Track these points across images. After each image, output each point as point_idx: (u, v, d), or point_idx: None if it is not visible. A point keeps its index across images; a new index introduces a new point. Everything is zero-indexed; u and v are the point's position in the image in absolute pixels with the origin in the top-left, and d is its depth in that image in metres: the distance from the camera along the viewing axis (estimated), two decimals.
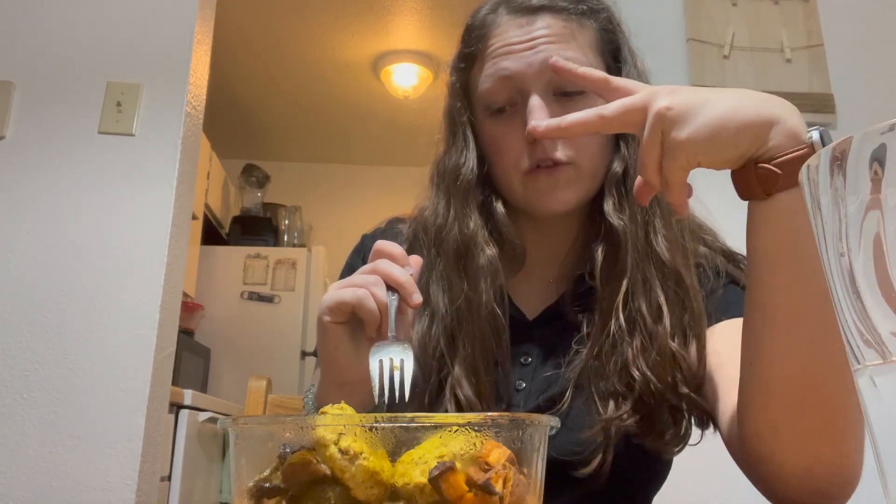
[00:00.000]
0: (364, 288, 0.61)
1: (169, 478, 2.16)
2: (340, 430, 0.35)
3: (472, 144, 0.80)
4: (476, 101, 0.79)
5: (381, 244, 0.64)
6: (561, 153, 0.73)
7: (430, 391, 0.75)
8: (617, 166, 0.77)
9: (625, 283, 0.73)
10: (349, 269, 0.88)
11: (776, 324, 0.55)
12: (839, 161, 0.26)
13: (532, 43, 0.74)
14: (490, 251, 0.77)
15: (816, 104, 1.77)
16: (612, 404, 0.69)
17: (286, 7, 3.10)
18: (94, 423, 1.49)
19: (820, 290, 0.49)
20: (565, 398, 0.72)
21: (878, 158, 0.25)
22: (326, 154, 4.59)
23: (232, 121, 4.06)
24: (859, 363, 0.27)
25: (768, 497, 0.61)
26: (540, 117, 0.70)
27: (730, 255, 0.83)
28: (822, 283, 0.30)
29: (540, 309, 0.80)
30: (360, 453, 0.34)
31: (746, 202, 0.55)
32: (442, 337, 0.76)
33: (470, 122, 0.81)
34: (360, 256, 0.90)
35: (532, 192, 0.76)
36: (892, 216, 0.24)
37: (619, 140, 0.78)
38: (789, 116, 0.52)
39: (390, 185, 4.70)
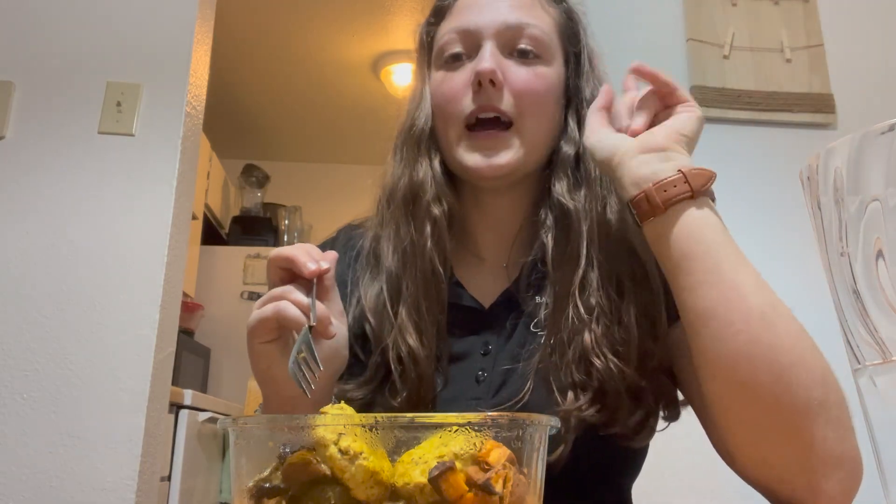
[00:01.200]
0: (281, 298, 0.60)
1: (169, 478, 2.16)
2: (340, 430, 0.35)
3: (427, 99, 0.79)
4: (436, 52, 0.79)
5: (277, 254, 0.63)
6: (504, 105, 0.72)
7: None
8: (567, 148, 0.76)
9: (580, 267, 0.71)
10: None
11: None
12: (839, 161, 0.26)
13: (497, 4, 0.75)
14: (437, 209, 0.75)
15: (816, 104, 1.77)
16: (570, 395, 0.67)
17: (286, 7, 3.10)
18: (94, 423, 1.49)
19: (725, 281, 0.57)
20: (526, 389, 0.70)
21: (878, 158, 0.25)
22: (326, 154, 4.58)
23: (232, 121, 4.06)
24: (859, 363, 0.27)
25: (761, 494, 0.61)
26: (489, 61, 0.71)
27: None
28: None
29: (494, 296, 0.78)
30: (360, 453, 0.34)
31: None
32: (389, 295, 0.75)
33: (429, 78, 0.80)
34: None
35: (468, 150, 0.74)
36: (892, 216, 0.24)
37: (569, 119, 0.78)
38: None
39: None
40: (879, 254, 0.25)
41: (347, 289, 0.80)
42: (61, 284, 1.58)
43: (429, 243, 0.74)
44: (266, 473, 0.36)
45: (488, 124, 0.73)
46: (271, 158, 4.43)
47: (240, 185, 3.98)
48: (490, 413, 0.54)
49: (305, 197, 4.31)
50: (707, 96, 1.76)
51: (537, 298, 0.75)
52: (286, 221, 3.96)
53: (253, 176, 3.95)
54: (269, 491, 0.35)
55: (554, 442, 0.66)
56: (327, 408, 0.41)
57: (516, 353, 0.73)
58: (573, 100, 0.79)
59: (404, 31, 3.29)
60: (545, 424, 0.38)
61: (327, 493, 0.34)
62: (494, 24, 0.74)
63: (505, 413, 0.46)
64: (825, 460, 0.54)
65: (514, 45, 0.74)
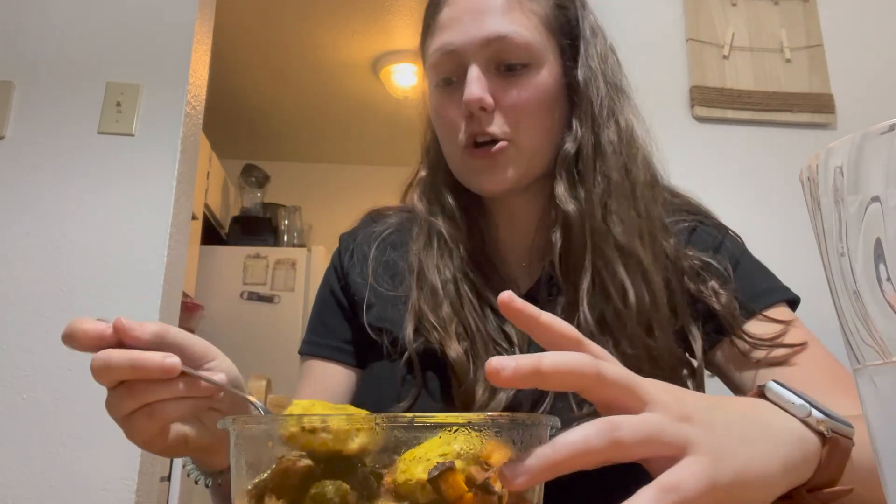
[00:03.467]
0: (128, 413, 0.50)
1: (169, 478, 2.16)
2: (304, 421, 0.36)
3: (429, 116, 0.81)
4: (426, 73, 0.79)
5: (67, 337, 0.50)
6: (497, 128, 0.71)
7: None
8: (569, 146, 0.74)
9: (585, 273, 0.70)
10: (326, 292, 0.85)
11: None
12: (839, 161, 0.26)
13: (475, 15, 0.72)
14: (453, 241, 0.76)
15: (816, 104, 1.77)
16: (586, 405, 0.66)
17: (286, 7, 3.10)
18: (94, 423, 1.49)
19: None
20: (547, 398, 0.69)
21: (878, 158, 0.25)
22: (326, 154, 4.59)
23: (232, 121, 4.06)
24: (859, 363, 0.27)
25: None
26: (474, 89, 0.70)
27: (719, 225, 0.82)
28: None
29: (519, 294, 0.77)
30: (324, 421, 0.35)
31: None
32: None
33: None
34: (335, 275, 0.85)
35: (469, 170, 0.74)
36: (892, 216, 0.24)
37: (573, 118, 0.76)
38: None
39: (390, 185, 4.69)
40: (879, 254, 0.25)
41: (368, 279, 0.80)
42: (61, 284, 1.58)
43: (456, 274, 0.74)
44: (265, 476, 0.36)
45: (486, 143, 0.73)
46: (271, 158, 4.43)
47: (240, 185, 3.99)
48: (490, 413, 0.54)
49: (305, 197, 4.31)
50: (707, 96, 1.76)
51: (555, 301, 0.74)
52: (286, 221, 3.96)
53: (253, 176, 3.95)
54: (269, 493, 0.35)
55: None
56: (295, 404, 0.41)
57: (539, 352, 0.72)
58: (574, 92, 0.76)
59: (404, 31, 3.29)
60: (545, 424, 0.38)
61: (323, 488, 0.34)
62: (476, 42, 0.71)
63: (505, 413, 0.46)
64: None
65: (499, 60, 0.72)
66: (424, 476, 0.33)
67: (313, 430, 0.36)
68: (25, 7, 1.78)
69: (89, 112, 1.70)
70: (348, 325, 0.82)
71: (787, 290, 0.77)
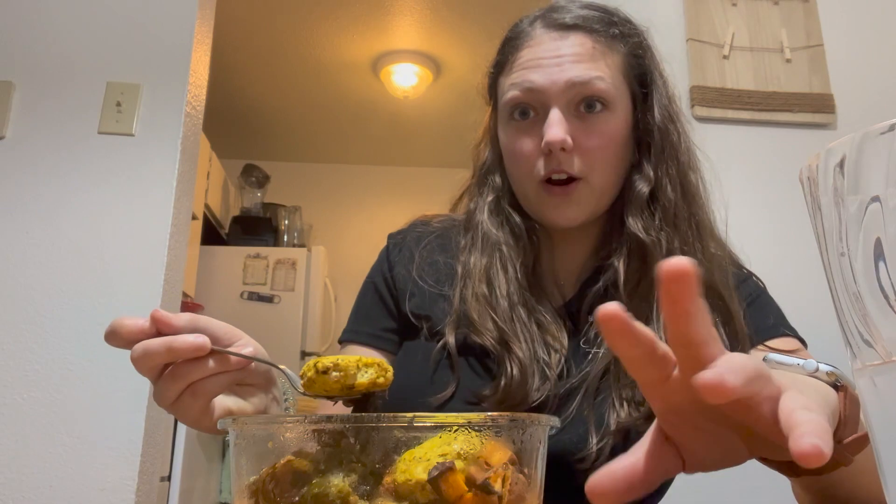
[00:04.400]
0: (175, 397, 0.54)
1: (169, 478, 2.16)
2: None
3: (490, 144, 0.87)
4: (501, 106, 0.81)
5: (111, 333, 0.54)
6: (574, 168, 0.75)
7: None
8: (642, 186, 0.78)
9: (649, 303, 0.75)
10: (370, 285, 0.90)
11: None
12: (839, 161, 0.26)
13: (559, 59, 0.76)
14: (512, 264, 0.80)
15: (816, 104, 1.77)
16: (626, 408, 0.71)
17: (286, 7, 3.10)
18: (94, 423, 1.49)
19: None
20: (573, 402, 0.73)
21: (878, 158, 0.25)
22: (326, 154, 4.59)
23: (232, 121, 4.06)
24: (859, 363, 0.27)
25: None
26: (557, 131, 0.73)
27: (738, 265, 0.85)
28: None
29: (557, 306, 0.82)
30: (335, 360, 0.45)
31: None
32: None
33: (493, 125, 0.86)
34: (380, 269, 0.90)
35: (544, 204, 0.78)
36: (892, 216, 0.24)
37: (641, 158, 0.80)
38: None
39: (390, 185, 4.70)
40: (879, 254, 0.25)
41: (411, 285, 0.84)
42: (61, 284, 1.58)
43: (511, 287, 0.79)
44: (262, 474, 0.36)
45: (560, 181, 0.77)
46: (271, 158, 4.44)
47: (240, 185, 3.99)
48: (490, 413, 0.54)
49: (305, 197, 4.31)
50: (707, 96, 1.76)
51: (590, 318, 0.78)
52: (286, 221, 3.96)
53: (253, 176, 3.96)
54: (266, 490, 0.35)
55: (596, 449, 0.70)
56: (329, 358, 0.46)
57: (568, 364, 0.77)
58: (644, 136, 0.80)
59: (404, 31, 3.29)
60: (545, 424, 0.38)
61: (329, 494, 0.34)
62: (560, 84, 0.75)
63: (505, 413, 0.46)
64: None
65: (579, 101, 0.75)
66: (424, 476, 0.33)
67: (326, 371, 0.42)
68: (25, 7, 1.78)
69: (89, 112, 1.70)
70: (389, 317, 0.87)
71: (795, 331, 0.80)
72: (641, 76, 0.81)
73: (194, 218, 2.92)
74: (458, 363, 0.77)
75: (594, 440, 0.70)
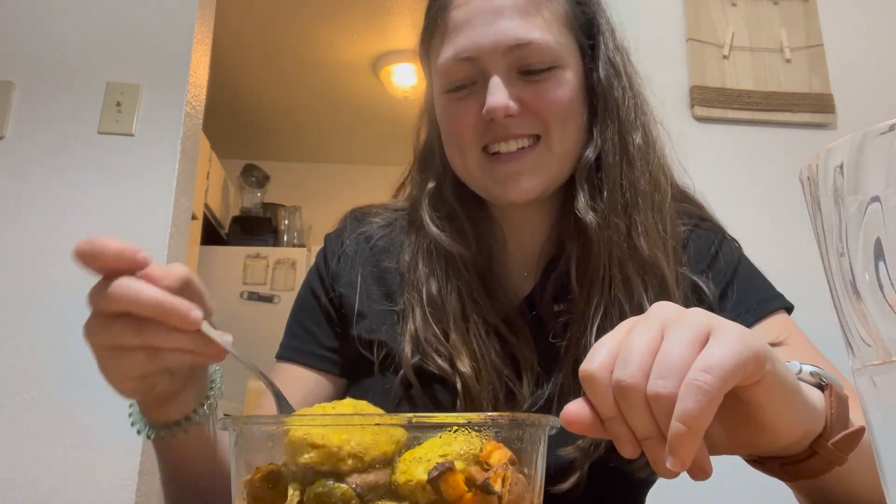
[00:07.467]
0: (121, 346, 0.46)
1: None
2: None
3: (430, 122, 0.78)
4: (434, 74, 0.73)
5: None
6: (525, 128, 0.68)
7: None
8: (589, 153, 0.71)
9: (600, 286, 0.68)
10: (309, 296, 0.81)
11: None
12: (839, 161, 0.26)
13: (492, 17, 0.67)
14: (435, 230, 0.73)
15: (816, 104, 1.77)
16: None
17: (286, 7, 3.10)
18: (94, 423, 1.49)
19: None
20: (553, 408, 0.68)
21: (878, 158, 0.25)
22: (326, 154, 4.58)
23: (232, 121, 4.06)
24: (859, 363, 0.27)
25: None
26: (499, 97, 0.65)
27: (717, 228, 0.80)
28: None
29: (517, 300, 0.75)
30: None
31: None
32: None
33: (431, 101, 0.76)
34: (320, 279, 0.81)
35: (491, 178, 0.70)
36: (892, 216, 0.24)
37: (592, 125, 0.72)
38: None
39: (390, 185, 4.70)
40: (879, 254, 0.25)
41: (358, 287, 0.76)
42: (61, 284, 1.58)
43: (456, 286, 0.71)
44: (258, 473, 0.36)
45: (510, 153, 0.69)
46: (271, 158, 4.43)
47: (239, 185, 3.99)
48: (490, 413, 0.54)
49: (305, 197, 4.31)
50: (707, 96, 1.76)
51: (557, 308, 0.72)
52: (286, 221, 3.96)
53: (253, 176, 3.96)
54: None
55: (571, 468, 0.66)
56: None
57: (536, 364, 0.71)
58: (595, 97, 0.72)
59: (404, 31, 3.29)
60: (545, 424, 0.38)
61: (332, 496, 0.34)
62: (497, 50, 0.66)
63: (504, 413, 0.45)
64: None
65: (521, 64, 0.67)
66: (424, 476, 0.33)
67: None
68: (25, 7, 1.78)
69: (89, 112, 1.70)
70: (333, 336, 0.78)
71: (782, 297, 0.76)
72: (587, 25, 0.73)
73: (194, 218, 2.92)
74: (419, 399, 0.69)
75: (575, 462, 0.66)
